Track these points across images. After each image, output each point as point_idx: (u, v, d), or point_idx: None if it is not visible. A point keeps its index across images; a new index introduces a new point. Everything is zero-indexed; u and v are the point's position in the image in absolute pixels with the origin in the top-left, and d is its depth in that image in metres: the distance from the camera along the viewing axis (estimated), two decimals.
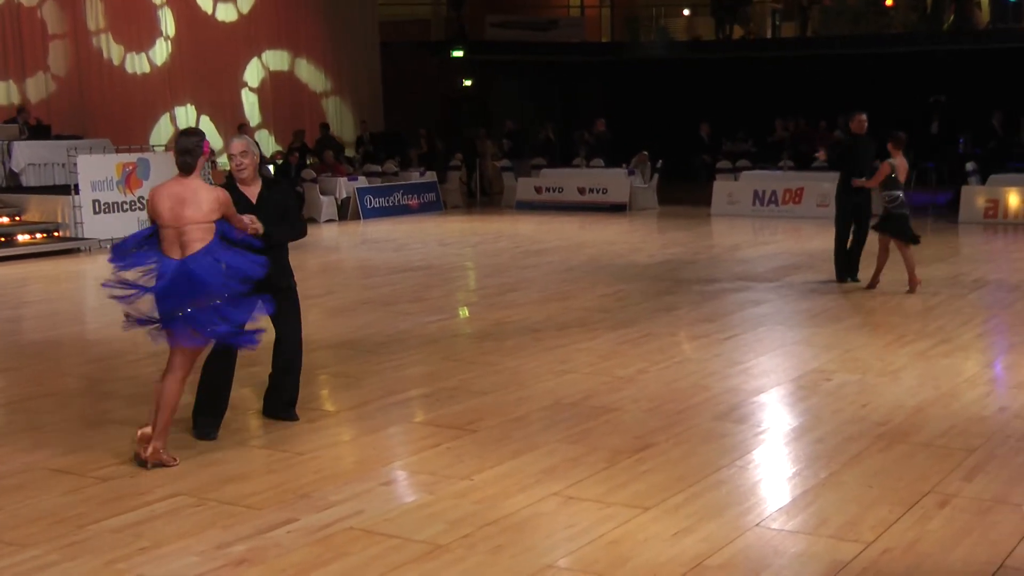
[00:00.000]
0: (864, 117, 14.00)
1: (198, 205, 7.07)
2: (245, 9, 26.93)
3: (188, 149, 7.18)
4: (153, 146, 24.01)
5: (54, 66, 23.45)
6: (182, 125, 25.12)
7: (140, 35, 24.77)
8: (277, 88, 27.48)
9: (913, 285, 13.27)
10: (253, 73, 27.12)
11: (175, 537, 5.97)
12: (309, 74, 28.53)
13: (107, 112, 24.03)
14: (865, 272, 13.91)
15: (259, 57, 27.28)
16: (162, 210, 7.13)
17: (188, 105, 25.44)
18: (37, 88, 23.20)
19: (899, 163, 13.21)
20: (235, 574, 5.53)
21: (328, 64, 28.78)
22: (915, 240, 13.32)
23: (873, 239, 13.69)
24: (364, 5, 29.65)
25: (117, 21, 24.27)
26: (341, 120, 28.69)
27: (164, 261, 7.15)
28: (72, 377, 10.03)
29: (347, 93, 29.09)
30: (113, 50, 24.30)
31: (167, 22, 25.21)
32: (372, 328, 11.75)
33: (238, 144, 7.87)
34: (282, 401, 8.21)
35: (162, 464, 7.13)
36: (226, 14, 26.55)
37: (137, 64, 24.70)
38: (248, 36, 26.99)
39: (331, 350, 10.63)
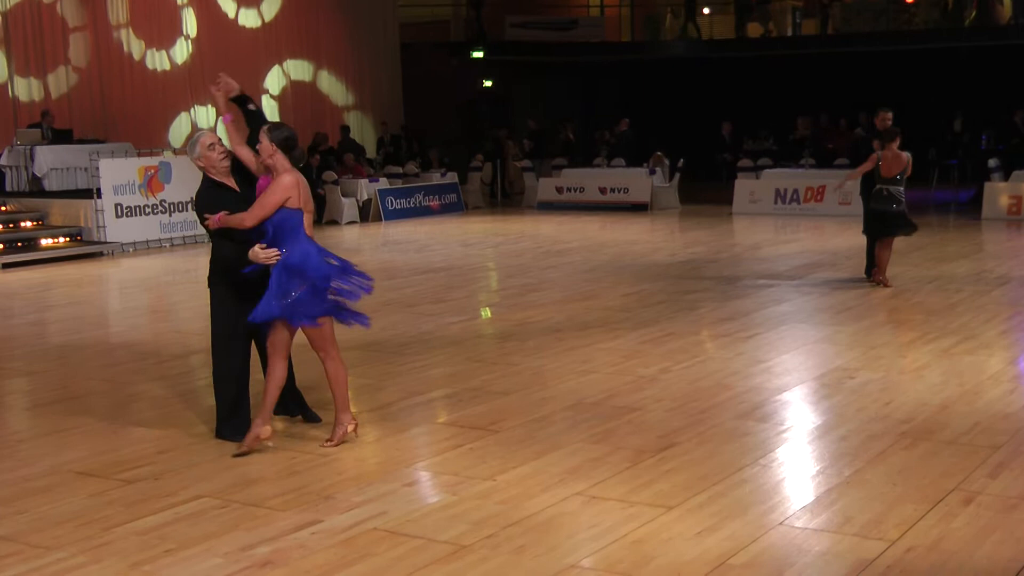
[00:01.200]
0: (889, 115, 13.91)
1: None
2: (268, 16, 26.98)
3: (295, 143, 7.46)
4: (173, 147, 24.12)
5: (75, 58, 23.39)
6: (202, 125, 25.19)
7: (161, 33, 24.79)
8: (298, 97, 27.45)
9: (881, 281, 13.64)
10: (274, 81, 27.16)
11: (200, 539, 5.99)
12: (331, 86, 28.55)
13: (127, 107, 24.04)
14: (892, 269, 13.89)
15: (280, 65, 27.32)
16: (304, 198, 7.40)
17: (208, 106, 25.51)
18: (58, 83, 23.18)
19: (886, 155, 13.21)
20: (260, 575, 5.56)
21: (350, 77, 28.76)
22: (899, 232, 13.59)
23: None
24: (384, 7, 29.67)
25: (138, 17, 24.29)
26: (363, 132, 28.64)
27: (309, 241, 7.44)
28: (96, 380, 10.08)
29: (368, 107, 29.01)
30: (134, 45, 24.27)
31: (189, 22, 25.26)
32: (395, 329, 11.77)
33: (208, 136, 7.86)
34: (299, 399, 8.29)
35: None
36: (249, 20, 26.61)
37: (158, 61, 24.73)
38: (269, 44, 27.03)
39: (354, 351, 10.64)
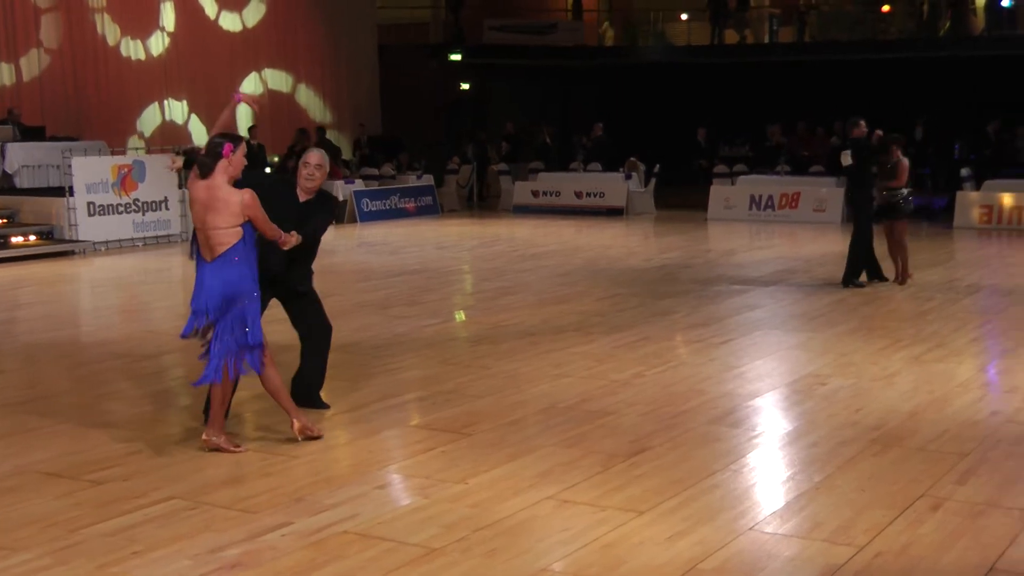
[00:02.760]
0: (863, 123, 14.16)
1: (220, 210, 7.15)
2: (250, 23, 26.88)
3: (208, 150, 7.25)
4: (142, 133, 24.05)
5: (47, 39, 23.10)
6: (172, 118, 25.09)
7: (139, 22, 24.59)
8: (276, 108, 27.20)
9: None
10: (250, 87, 27.05)
11: (169, 541, 5.96)
12: (309, 100, 28.44)
13: (101, 93, 23.84)
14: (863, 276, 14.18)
15: (259, 73, 27.21)
16: (194, 213, 7.31)
17: (183, 101, 25.38)
18: (30, 66, 22.88)
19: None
20: None
21: (328, 92, 28.63)
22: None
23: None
24: (363, 8, 29.61)
25: (115, 2, 24.11)
26: (339, 145, 28.51)
27: (199, 263, 7.34)
28: (66, 380, 10.03)
29: (346, 125, 28.84)
30: (109, 30, 24.08)
31: (167, 15, 25.12)
32: (369, 331, 11.75)
33: (315, 156, 8.01)
34: (308, 387, 8.38)
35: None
36: (229, 23, 26.51)
37: (132, 50, 24.55)
38: (248, 50, 26.90)
39: (329, 354, 10.61)
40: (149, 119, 24.87)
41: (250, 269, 7.30)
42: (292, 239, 7.55)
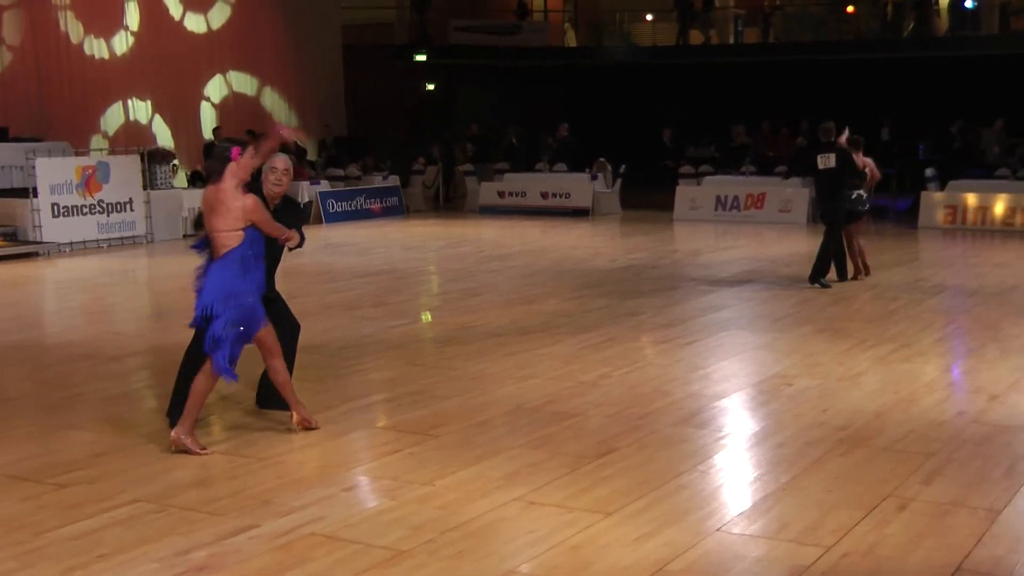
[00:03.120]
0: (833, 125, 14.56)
1: (222, 214, 7.34)
2: (216, 24, 26.71)
3: (216, 155, 7.49)
4: (105, 132, 23.89)
5: (9, 36, 22.87)
6: (135, 117, 24.92)
7: (102, 20, 24.33)
8: (241, 110, 26.93)
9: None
10: (215, 89, 26.88)
11: (135, 544, 5.93)
12: (274, 103, 28.27)
13: (64, 90, 23.60)
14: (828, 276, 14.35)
15: (224, 75, 27.06)
16: (204, 215, 7.57)
17: (148, 101, 25.21)
18: None
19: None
20: None
21: (293, 96, 28.49)
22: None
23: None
24: (328, 8, 29.50)
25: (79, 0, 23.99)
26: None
27: (207, 262, 7.58)
28: (30, 382, 9.95)
29: (312, 129, 28.68)
30: (72, 27, 23.82)
31: (131, 15, 24.93)
32: (335, 333, 11.71)
33: (283, 161, 8.04)
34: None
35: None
36: (195, 25, 26.34)
37: (96, 48, 24.35)
38: (213, 52, 26.71)
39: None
40: (113, 118, 24.68)
41: (249, 271, 7.42)
42: (294, 237, 7.77)
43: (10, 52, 22.94)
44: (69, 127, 23.20)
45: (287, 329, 8.38)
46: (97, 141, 23.93)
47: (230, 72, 27.16)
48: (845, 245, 14.61)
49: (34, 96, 23.08)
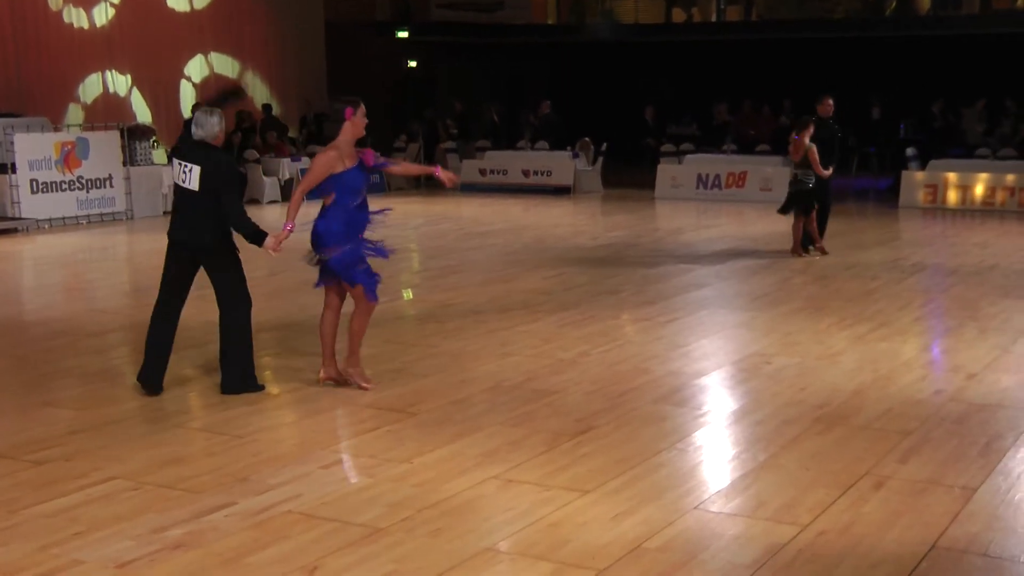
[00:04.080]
0: (831, 101, 15.10)
1: (311, 169, 8.31)
2: (199, 5, 26.53)
3: (335, 116, 8.11)
4: (81, 100, 23.75)
5: None
6: (114, 90, 24.75)
7: None
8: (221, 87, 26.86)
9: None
10: (195, 68, 26.68)
11: (111, 521, 5.91)
12: (255, 87, 28.04)
13: (42, 57, 23.38)
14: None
15: (205, 56, 26.88)
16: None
17: (127, 75, 25.02)
18: None
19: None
20: (171, 558, 5.49)
21: (275, 80, 28.31)
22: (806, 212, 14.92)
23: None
24: None
25: None
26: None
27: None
28: (7, 359, 9.89)
29: (293, 117, 28.52)
30: None
31: None
32: (314, 310, 11.57)
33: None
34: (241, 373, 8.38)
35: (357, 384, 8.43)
36: (177, 3, 26.16)
37: (75, 17, 24.13)
38: (194, 31, 26.53)
39: (273, 332, 10.57)
40: (90, 88, 24.48)
41: (332, 221, 8.40)
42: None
43: None
44: (46, 94, 23.02)
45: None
46: (74, 110, 23.76)
47: (212, 54, 26.99)
48: (807, 223, 14.93)
49: (12, 62, 22.78)
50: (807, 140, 14.35)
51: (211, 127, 8.17)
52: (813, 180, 14.50)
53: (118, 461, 6.88)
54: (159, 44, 25.51)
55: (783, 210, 15.12)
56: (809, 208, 14.75)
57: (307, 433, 7.54)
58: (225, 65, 27.36)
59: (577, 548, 5.57)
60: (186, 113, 25.00)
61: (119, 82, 24.98)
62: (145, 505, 6.14)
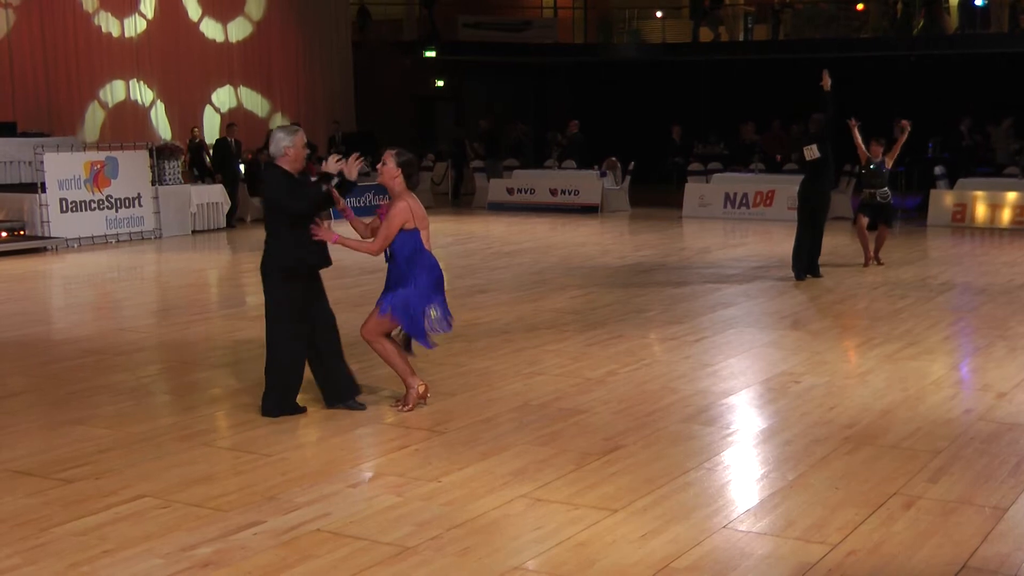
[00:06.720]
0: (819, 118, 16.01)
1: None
2: (234, 38, 26.72)
3: (416, 167, 8.54)
4: (103, 103, 23.93)
5: None
6: (136, 99, 24.92)
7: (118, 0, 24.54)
8: (248, 124, 26.72)
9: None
10: (224, 98, 26.89)
11: (139, 540, 5.92)
12: (284, 106, 28.27)
13: (69, 56, 23.64)
14: (841, 273, 14.30)
15: (234, 88, 27.05)
16: (418, 216, 8.50)
17: (153, 89, 25.20)
18: None
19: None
20: None
21: (301, 100, 28.42)
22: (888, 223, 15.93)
23: None
24: (338, 5, 29.48)
25: None
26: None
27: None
28: (37, 378, 9.95)
29: (320, 123, 28.61)
30: None
31: (147, 3, 24.96)
32: (342, 329, 11.61)
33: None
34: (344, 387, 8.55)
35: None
36: (212, 31, 26.35)
37: (106, 22, 24.34)
38: (224, 62, 26.74)
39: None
40: (114, 92, 24.66)
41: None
42: (345, 240, 8.97)
43: (15, 13, 22.82)
44: (73, 92, 23.22)
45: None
46: (93, 111, 23.91)
47: (241, 87, 27.16)
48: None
49: (39, 61, 22.94)
50: (858, 135, 15.53)
51: (275, 143, 8.21)
52: (888, 196, 15.41)
53: (147, 479, 6.89)
54: (188, 66, 25.75)
55: (887, 224, 15.98)
56: (891, 219, 15.87)
57: (335, 452, 7.55)
58: (254, 101, 27.53)
59: (605, 567, 5.55)
60: (209, 138, 25.16)
61: (144, 93, 25.16)
62: (174, 523, 6.16)
